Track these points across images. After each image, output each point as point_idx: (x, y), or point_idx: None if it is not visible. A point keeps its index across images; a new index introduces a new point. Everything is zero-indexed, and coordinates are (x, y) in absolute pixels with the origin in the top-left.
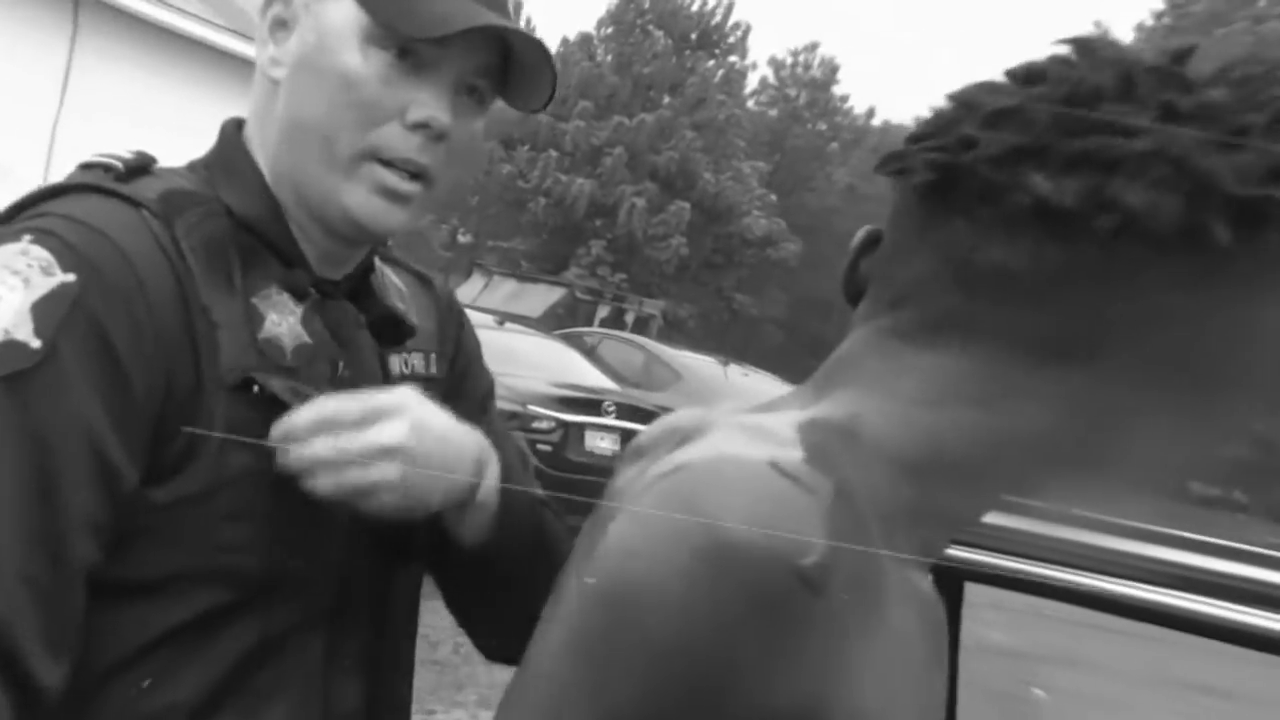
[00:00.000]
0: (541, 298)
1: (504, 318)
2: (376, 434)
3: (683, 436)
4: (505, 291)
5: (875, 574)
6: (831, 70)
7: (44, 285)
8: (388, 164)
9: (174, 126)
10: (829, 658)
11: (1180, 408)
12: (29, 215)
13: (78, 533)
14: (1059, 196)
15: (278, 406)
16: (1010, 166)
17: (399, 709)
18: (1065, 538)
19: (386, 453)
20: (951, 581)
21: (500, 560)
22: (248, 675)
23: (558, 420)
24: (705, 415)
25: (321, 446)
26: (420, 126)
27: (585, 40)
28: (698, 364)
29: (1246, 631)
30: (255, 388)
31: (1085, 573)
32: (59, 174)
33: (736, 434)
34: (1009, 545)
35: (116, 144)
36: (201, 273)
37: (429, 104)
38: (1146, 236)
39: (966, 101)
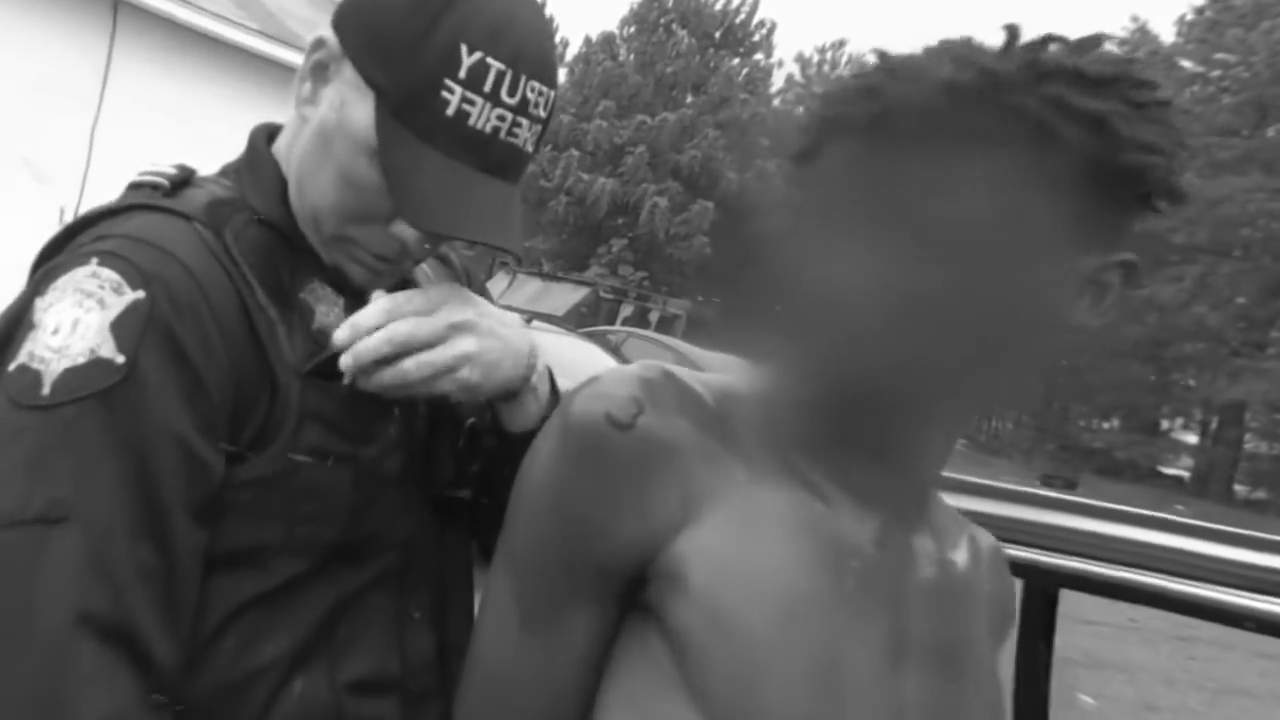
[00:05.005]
0: (565, 296)
1: (530, 316)
2: (451, 347)
3: None
4: (530, 291)
5: (714, 447)
6: (860, 68)
7: (118, 304)
8: (361, 247)
9: (209, 129)
10: (653, 491)
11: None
12: (90, 238)
13: (180, 521)
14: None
15: (343, 390)
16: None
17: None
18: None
19: (466, 359)
20: (1046, 588)
21: None
22: (330, 631)
23: None
24: None
25: (411, 364)
26: (397, 241)
27: (608, 39)
28: (725, 364)
29: None
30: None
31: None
32: (98, 180)
33: None
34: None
35: (153, 148)
36: (254, 275)
37: (411, 236)
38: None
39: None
